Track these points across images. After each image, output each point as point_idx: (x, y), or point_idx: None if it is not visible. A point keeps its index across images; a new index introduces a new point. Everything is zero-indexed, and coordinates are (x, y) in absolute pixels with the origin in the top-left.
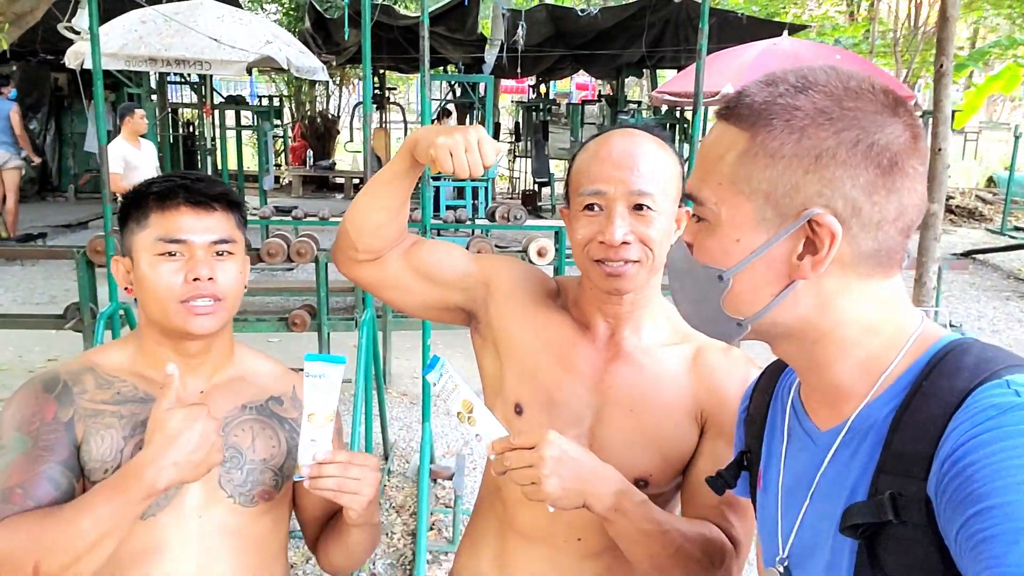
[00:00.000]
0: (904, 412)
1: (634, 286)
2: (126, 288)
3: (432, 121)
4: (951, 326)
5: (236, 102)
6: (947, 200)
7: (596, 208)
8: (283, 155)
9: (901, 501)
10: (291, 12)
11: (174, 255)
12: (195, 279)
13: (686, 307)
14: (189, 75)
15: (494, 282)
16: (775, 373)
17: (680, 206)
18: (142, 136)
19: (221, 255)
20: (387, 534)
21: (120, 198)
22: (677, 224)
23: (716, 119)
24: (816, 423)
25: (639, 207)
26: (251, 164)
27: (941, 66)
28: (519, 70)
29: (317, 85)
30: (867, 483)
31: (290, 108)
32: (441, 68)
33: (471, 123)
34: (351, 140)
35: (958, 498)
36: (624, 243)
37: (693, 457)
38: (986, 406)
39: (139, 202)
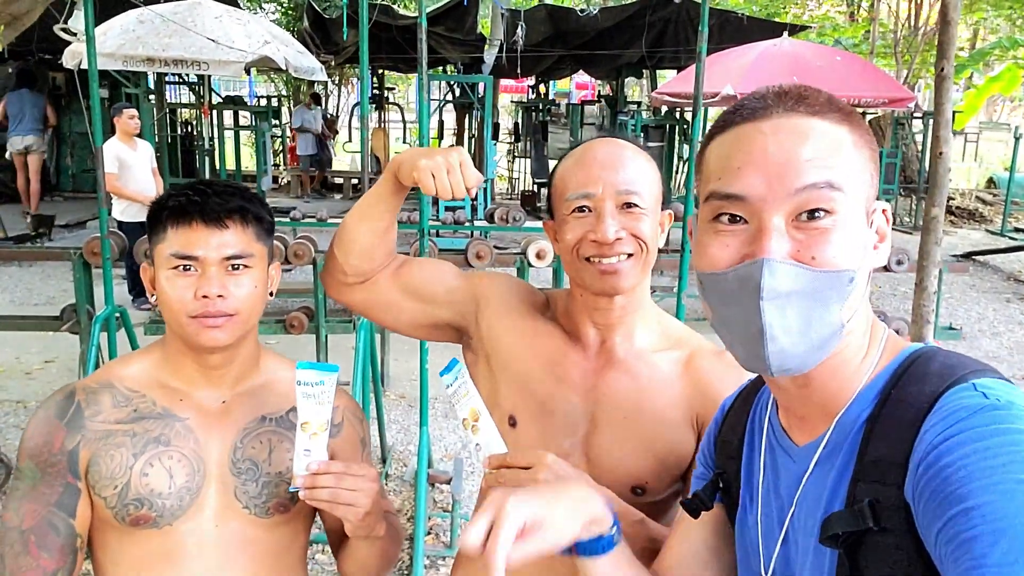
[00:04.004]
0: (876, 420)
1: (628, 284)
2: (152, 295)
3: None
4: (951, 329)
5: (234, 102)
6: (947, 202)
7: (585, 210)
8: (281, 155)
9: (879, 508)
10: (289, 12)
11: (188, 269)
12: (204, 296)
13: (791, 339)
14: (187, 75)
15: (484, 297)
16: (750, 394)
17: (663, 209)
18: (137, 136)
19: (236, 268)
20: None
21: (115, 198)
22: (661, 227)
23: (798, 115)
24: (793, 439)
25: (627, 205)
26: (249, 164)
27: (942, 70)
28: (518, 70)
29: (316, 85)
30: (843, 493)
31: (288, 108)
32: (440, 68)
33: (470, 123)
34: (350, 140)
35: (936, 500)
36: (616, 239)
37: (691, 465)
38: (956, 408)
39: (157, 215)
